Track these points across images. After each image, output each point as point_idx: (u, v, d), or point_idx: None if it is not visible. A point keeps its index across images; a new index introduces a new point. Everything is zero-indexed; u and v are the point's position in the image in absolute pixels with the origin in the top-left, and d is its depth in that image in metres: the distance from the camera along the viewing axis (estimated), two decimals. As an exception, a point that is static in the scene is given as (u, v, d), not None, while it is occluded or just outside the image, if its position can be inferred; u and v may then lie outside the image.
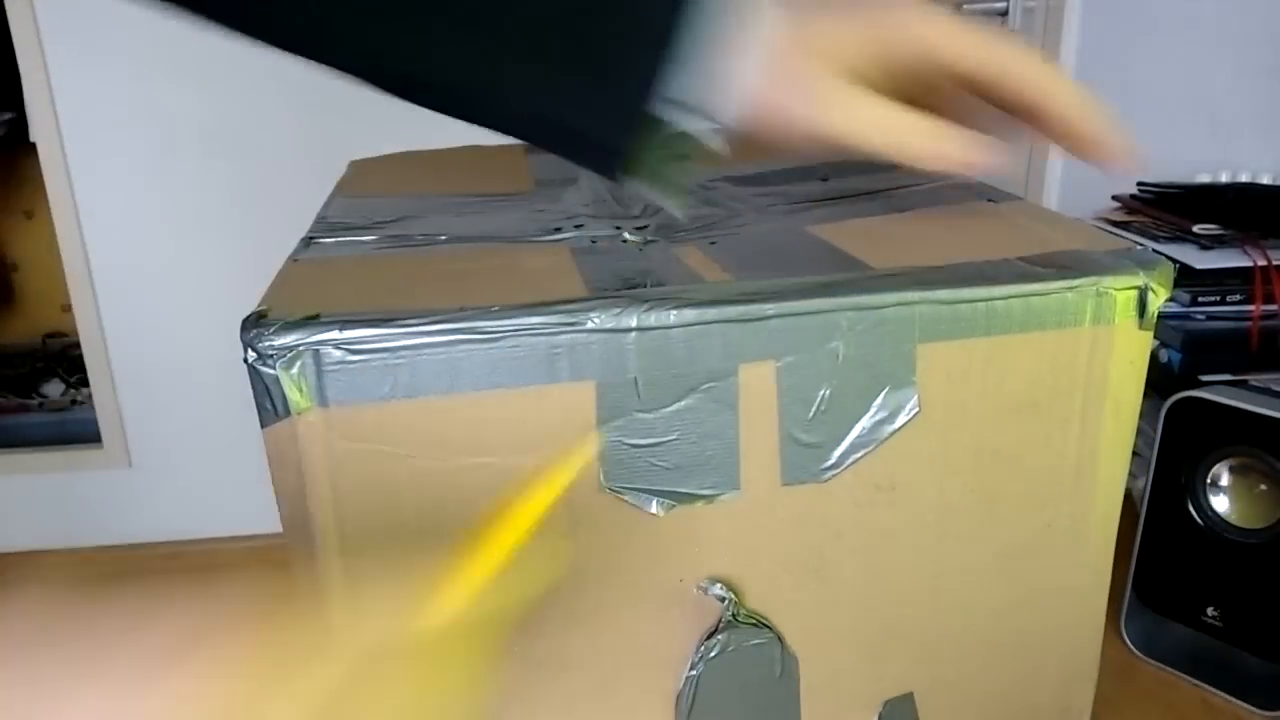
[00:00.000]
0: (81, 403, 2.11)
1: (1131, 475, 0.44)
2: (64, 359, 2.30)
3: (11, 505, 1.99)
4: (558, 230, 0.47)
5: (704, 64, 0.36)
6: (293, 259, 0.43)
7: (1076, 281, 0.39)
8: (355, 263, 0.43)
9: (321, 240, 0.46)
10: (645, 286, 0.38)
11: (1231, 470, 0.56)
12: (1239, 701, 0.55)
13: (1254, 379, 0.59)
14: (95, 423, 1.93)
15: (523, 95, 0.38)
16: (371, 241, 0.46)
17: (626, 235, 0.46)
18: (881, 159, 0.40)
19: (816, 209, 0.49)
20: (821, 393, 0.39)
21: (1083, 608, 0.46)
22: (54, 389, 2.24)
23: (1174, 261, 0.71)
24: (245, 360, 0.34)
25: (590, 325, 0.36)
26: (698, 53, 0.36)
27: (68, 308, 1.52)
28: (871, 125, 0.39)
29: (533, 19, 0.37)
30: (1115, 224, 0.83)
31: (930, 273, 0.39)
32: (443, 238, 0.46)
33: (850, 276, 0.39)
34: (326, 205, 0.53)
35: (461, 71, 0.38)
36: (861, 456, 0.40)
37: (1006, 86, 0.40)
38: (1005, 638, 0.45)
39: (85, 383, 1.92)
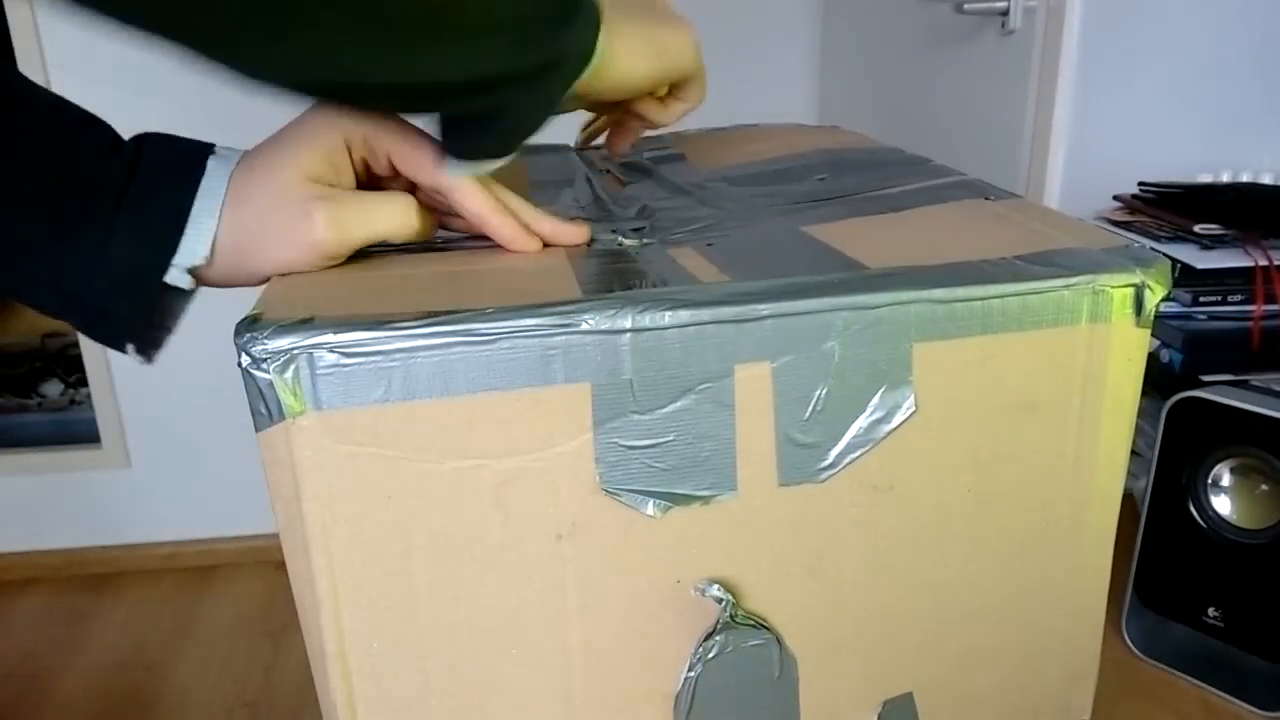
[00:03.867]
0: (80, 403, 2.12)
1: (1133, 475, 0.44)
2: (63, 359, 2.30)
3: (10, 505, 1.99)
4: (554, 231, 0.46)
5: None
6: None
7: (1073, 279, 0.39)
8: (349, 265, 0.43)
9: (317, 241, 0.45)
10: (641, 288, 0.38)
11: (1232, 470, 0.55)
12: (1240, 702, 0.54)
13: (1255, 379, 0.59)
14: (94, 423, 1.94)
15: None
16: (367, 242, 0.45)
17: (622, 237, 0.46)
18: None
19: (812, 209, 0.49)
20: (818, 393, 0.38)
21: (1082, 607, 0.46)
22: (53, 389, 2.24)
23: (1175, 261, 0.71)
24: (239, 364, 0.34)
25: (585, 327, 0.36)
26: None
27: (67, 308, 1.50)
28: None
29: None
30: (1116, 224, 0.83)
31: (926, 272, 0.39)
32: (437, 239, 0.46)
33: (846, 276, 0.39)
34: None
35: None
36: (858, 457, 0.39)
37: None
38: (1004, 637, 0.45)
39: (84, 383, 1.92)
